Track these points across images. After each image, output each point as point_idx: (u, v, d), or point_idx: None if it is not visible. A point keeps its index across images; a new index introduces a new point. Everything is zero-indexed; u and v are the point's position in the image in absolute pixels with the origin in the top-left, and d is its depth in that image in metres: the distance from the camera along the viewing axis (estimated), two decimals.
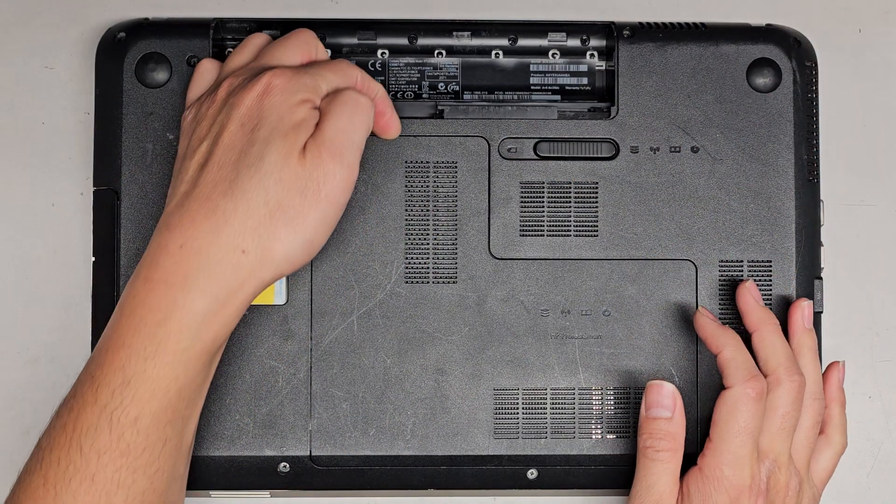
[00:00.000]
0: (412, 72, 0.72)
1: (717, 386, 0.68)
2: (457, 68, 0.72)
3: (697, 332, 0.67)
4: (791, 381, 0.65)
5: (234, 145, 0.61)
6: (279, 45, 0.65)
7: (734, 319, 0.69)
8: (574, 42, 0.72)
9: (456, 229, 0.69)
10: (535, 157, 0.69)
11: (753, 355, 0.65)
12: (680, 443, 0.65)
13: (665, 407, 0.66)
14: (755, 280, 0.69)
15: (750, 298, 0.67)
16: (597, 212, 0.69)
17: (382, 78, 0.71)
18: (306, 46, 0.65)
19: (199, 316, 0.59)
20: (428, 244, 0.69)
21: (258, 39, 0.67)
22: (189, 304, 0.59)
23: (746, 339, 0.67)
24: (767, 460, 0.65)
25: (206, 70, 0.67)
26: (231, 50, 0.71)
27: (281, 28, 0.71)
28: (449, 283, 0.69)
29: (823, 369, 0.69)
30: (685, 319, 0.69)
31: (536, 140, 0.69)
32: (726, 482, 0.64)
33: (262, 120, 0.61)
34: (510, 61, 0.72)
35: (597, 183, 0.69)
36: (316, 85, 0.63)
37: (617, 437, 0.69)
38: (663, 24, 0.71)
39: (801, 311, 0.67)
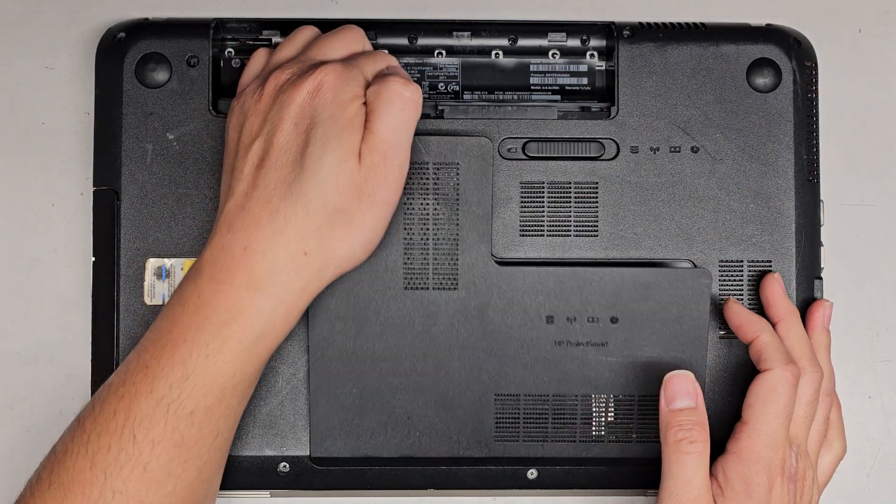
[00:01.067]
0: (412, 72, 0.72)
1: (725, 384, 0.68)
2: (457, 68, 0.72)
3: (729, 320, 0.67)
4: (815, 372, 0.66)
5: (289, 146, 0.61)
6: (327, 41, 0.66)
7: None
8: (574, 42, 0.72)
9: (457, 229, 0.69)
10: (536, 157, 0.69)
11: None
12: (708, 432, 0.64)
13: (688, 395, 0.65)
14: (755, 280, 0.69)
15: (778, 288, 0.67)
16: (597, 212, 0.69)
17: None
18: (355, 44, 0.66)
19: (265, 317, 0.60)
20: (428, 244, 0.69)
21: (307, 33, 0.68)
22: (256, 306, 0.60)
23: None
24: (794, 446, 0.65)
25: (260, 59, 0.68)
26: (232, 54, 0.71)
27: (281, 28, 0.71)
28: (449, 282, 0.69)
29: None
30: (691, 325, 0.69)
31: (537, 140, 0.69)
32: (765, 462, 0.63)
33: (316, 118, 0.61)
34: (510, 61, 0.72)
35: (597, 183, 0.69)
36: (363, 78, 0.63)
37: (617, 440, 0.68)
38: (663, 24, 0.71)
39: (823, 311, 0.68)
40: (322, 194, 0.61)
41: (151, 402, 0.59)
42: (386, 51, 0.68)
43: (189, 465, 0.60)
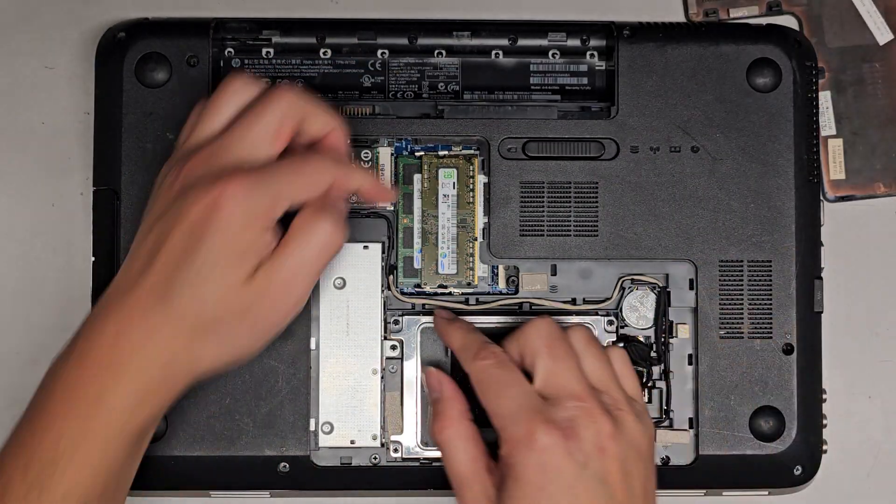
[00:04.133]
0: (412, 72, 0.72)
1: (725, 384, 0.69)
2: (457, 68, 0.72)
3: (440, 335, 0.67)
4: (486, 352, 0.64)
5: (175, 252, 0.59)
6: (250, 122, 0.61)
7: (735, 320, 0.69)
8: (574, 42, 0.72)
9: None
10: (536, 157, 0.69)
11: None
12: (457, 414, 0.63)
13: (435, 389, 0.65)
14: (755, 280, 0.69)
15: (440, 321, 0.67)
16: (597, 212, 0.69)
17: (382, 78, 0.71)
18: (285, 120, 0.61)
19: (127, 407, 0.59)
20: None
21: (239, 93, 0.62)
22: (117, 396, 0.59)
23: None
24: (556, 398, 0.62)
25: (193, 117, 0.64)
26: (232, 54, 0.71)
27: (281, 28, 0.71)
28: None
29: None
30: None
31: (537, 140, 0.69)
32: (513, 442, 0.60)
33: (207, 238, 0.59)
34: (510, 61, 0.72)
35: (597, 183, 0.69)
36: (274, 204, 0.59)
37: None
38: (663, 24, 0.71)
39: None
40: (200, 310, 0.59)
41: (24, 488, 0.58)
42: (325, 153, 0.62)
43: None
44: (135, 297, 0.59)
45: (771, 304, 0.69)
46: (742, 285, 0.69)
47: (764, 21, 0.74)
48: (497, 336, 0.65)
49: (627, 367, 0.65)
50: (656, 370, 0.70)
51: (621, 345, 0.69)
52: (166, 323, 0.59)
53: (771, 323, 0.69)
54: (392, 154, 0.70)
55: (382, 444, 0.69)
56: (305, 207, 0.60)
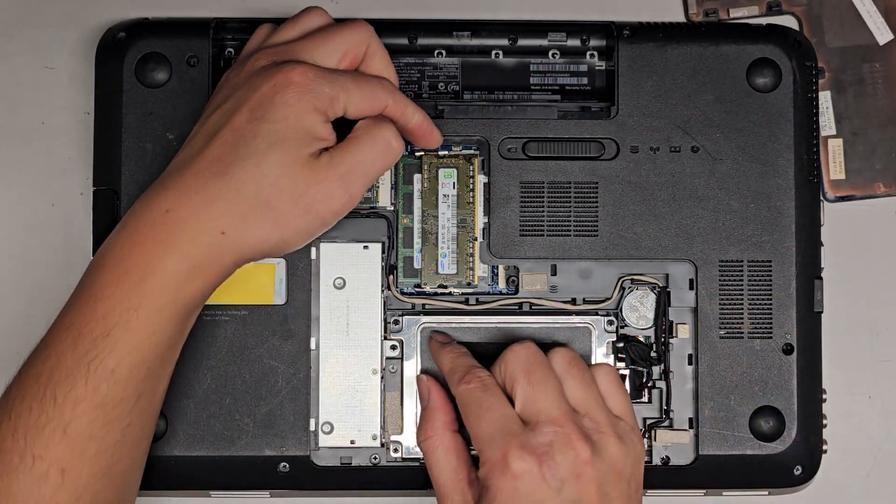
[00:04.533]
0: (412, 72, 0.72)
1: (726, 384, 0.69)
2: (457, 68, 0.72)
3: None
4: (473, 377, 0.65)
5: (239, 129, 0.61)
6: (323, 38, 0.64)
7: (735, 320, 0.69)
8: (574, 42, 0.72)
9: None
10: (536, 157, 0.69)
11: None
12: (440, 424, 0.65)
13: (422, 399, 0.67)
14: (755, 280, 0.69)
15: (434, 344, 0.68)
16: (597, 212, 0.69)
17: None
18: (353, 47, 0.64)
19: (177, 278, 0.60)
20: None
21: (314, 20, 0.66)
22: (168, 266, 0.60)
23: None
24: (537, 423, 0.63)
25: (260, 35, 0.67)
26: (232, 54, 0.71)
27: None
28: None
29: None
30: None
31: (537, 140, 0.69)
32: (490, 464, 0.62)
33: (270, 115, 0.61)
34: (510, 61, 0.72)
35: (597, 183, 0.69)
36: (334, 99, 0.62)
37: None
38: (663, 24, 0.71)
39: None
40: (257, 185, 0.60)
41: (74, 360, 0.59)
42: (386, 79, 0.65)
43: (112, 427, 0.59)
44: (192, 172, 0.60)
45: (771, 304, 0.69)
46: (742, 285, 0.69)
47: (764, 21, 0.74)
48: (495, 345, 0.66)
49: (614, 384, 0.65)
50: (656, 370, 0.70)
51: (617, 349, 0.70)
52: (221, 197, 0.60)
53: (771, 323, 0.69)
54: None
55: (382, 444, 0.69)
56: (369, 117, 0.63)
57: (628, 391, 0.70)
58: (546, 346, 0.65)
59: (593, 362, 0.69)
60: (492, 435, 0.61)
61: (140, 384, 0.60)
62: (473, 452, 0.64)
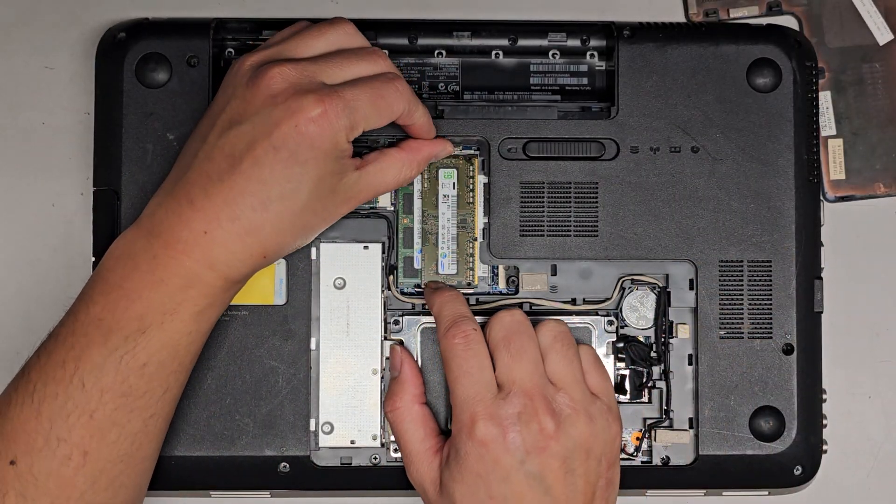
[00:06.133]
0: (412, 72, 0.72)
1: (726, 384, 0.69)
2: (457, 68, 0.72)
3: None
4: (465, 325, 0.66)
5: (265, 165, 0.61)
6: (343, 64, 0.64)
7: (735, 320, 0.69)
8: (574, 42, 0.72)
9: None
10: (536, 157, 0.69)
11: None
12: (408, 395, 0.67)
13: (394, 368, 0.68)
14: (755, 280, 0.69)
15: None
16: (597, 212, 0.69)
17: None
18: (372, 66, 0.65)
19: (216, 288, 0.62)
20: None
21: (342, 37, 0.66)
22: (210, 282, 0.62)
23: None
24: (509, 391, 0.64)
25: (284, 35, 0.66)
26: (233, 54, 0.71)
27: (280, 28, 0.71)
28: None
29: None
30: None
31: (537, 140, 0.69)
32: (458, 424, 0.64)
33: (298, 156, 0.61)
34: (510, 61, 0.72)
35: (597, 183, 0.69)
36: (354, 127, 0.63)
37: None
38: (663, 24, 0.71)
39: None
40: (295, 218, 0.62)
41: (104, 353, 0.60)
42: (398, 81, 0.65)
43: (135, 416, 0.61)
44: (221, 198, 0.61)
45: (771, 304, 0.69)
46: (742, 285, 0.69)
47: (764, 21, 0.74)
48: None
49: (595, 363, 0.66)
50: (656, 370, 0.70)
51: (617, 349, 0.70)
52: (261, 228, 0.62)
53: (771, 323, 0.69)
54: None
55: (382, 444, 0.69)
56: (402, 147, 0.67)
57: (629, 391, 0.70)
58: (542, 318, 0.66)
59: None
60: (465, 398, 0.63)
61: (168, 378, 0.62)
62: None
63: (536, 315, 0.69)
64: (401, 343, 0.69)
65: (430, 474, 0.65)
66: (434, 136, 0.68)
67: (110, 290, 0.62)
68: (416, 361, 0.68)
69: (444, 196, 0.69)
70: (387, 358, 0.69)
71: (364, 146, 0.67)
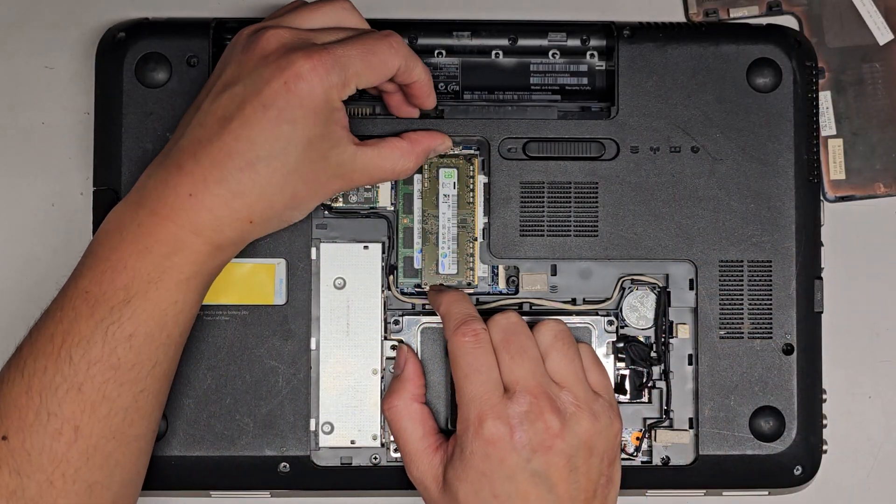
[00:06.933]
0: None
1: (726, 385, 0.69)
2: (457, 68, 0.72)
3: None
4: (471, 325, 0.65)
5: (254, 125, 0.61)
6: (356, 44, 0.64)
7: (735, 320, 0.69)
8: (574, 42, 0.72)
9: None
10: (536, 157, 0.69)
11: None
12: (406, 392, 0.67)
13: (398, 366, 0.68)
14: (755, 280, 0.69)
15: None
16: (597, 212, 0.69)
17: None
18: (392, 58, 0.64)
19: (202, 255, 0.62)
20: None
21: (341, 14, 0.66)
22: (195, 247, 0.62)
23: None
24: (516, 391, 0.64)
25: (286, 8, 0.67)
26: None
27: None
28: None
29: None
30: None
31: (537, 140, 0.69)
32: (465, 423, 0.63)
33: (286, 114, 0.61)
34: (510, 61, 0.72)
35: (597, 183, 0.69)
36: (346, 85, 0.62)
37: None
38: (663, 24, 0.71)
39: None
40: (283, 181, 0.62)
41: (91, 325, 0.60)
42: (393, 37, 0.65)
43: (125, 390, 0.61)
44: (209, 160, 0.61)
45: (771, 304, 0.69)
46: (742, 285, 0.69)
47: (764, 21, 0.74)
48: None
49: (594, 362, 0.67)
50: (656, 370, 0.70)
51: (617, 349, 0.70)
52: (247, 192, 0.61)
53: (771, 323, 0.69)
54: None
55: (382, 444, 0.69)
56: (403, 137, 0.67)
57: (629, 391, 0.70)
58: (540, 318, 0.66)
59: None
60: (473, 396, 0.63)
61: (156, 351, 0.62)
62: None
63: (536, 315, 0.69)
64: (405, 344, 0.69)
65: (432, 471, 0.65)
66: (434, 97, 0.67)
67: (97, 263, 0.62)
68: (420, 363, 0.68)
69: (445, 196, 0.69)
70: (387, 358, 0.69)
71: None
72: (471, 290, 0.70)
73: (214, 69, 0.65)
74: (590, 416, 0.64)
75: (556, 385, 0.64)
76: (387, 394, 0.67)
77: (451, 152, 0.69)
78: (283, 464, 0.68)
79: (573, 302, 0.70)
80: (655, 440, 0.69)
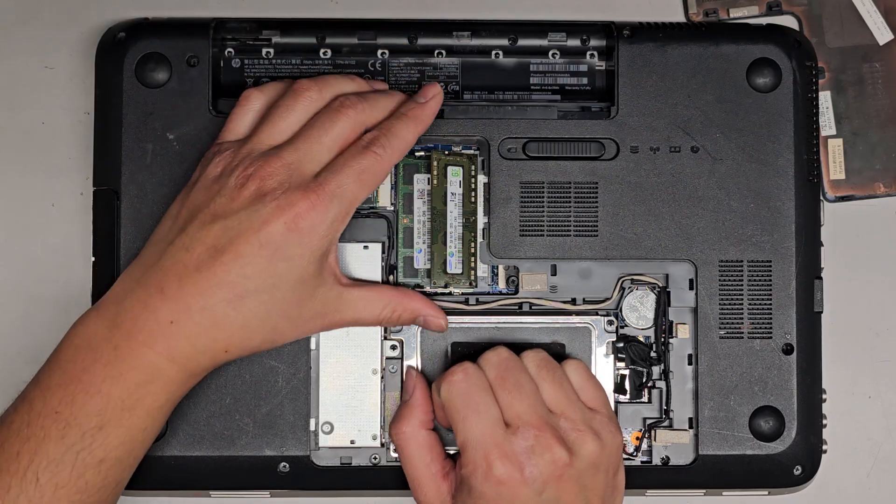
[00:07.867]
0: (412, 72, 0.72)
1: (726, 385, 0.69)
2: (457, 68, 0.72)
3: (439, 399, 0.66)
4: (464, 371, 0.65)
5: (247, 259, 0.61)
6: (319, 136, 0.64)
7: (735, 320, 0.69)
8: (574, 42, 0.72)
9: (462, 229, 0.69)
10: (536, 157, 0.69)
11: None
12: (416, 419, 0.66)
13: (406, 391, 0.68)
14: (755, 280, 0.69)
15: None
16: (597, 212, 0.69)
17: (382, 78, 0.71)
18: (351, 132, 0.64)
19: (177, 384, 0.62)
20: (436, 243, 0.69)
21: (305, 102, 0.65)
22: (171, 374, 0.61)
23: None
24: (519, 427, 0.63)
25: (252, 107, 0.66)
26: (232, 54, 0.71)
27: (281, 28, 0.71)
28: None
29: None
30: None
31: (537, 140, 0.69)
32: (472, 465, 0.63)
33: (283, 253, 0.61)
34: (510, 61, 0.72)
35: (597, 183, 0.69)
36: (345, 216, 0.63)
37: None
38: (663, 24, 0.71)
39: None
40: (266, 316, 0.62)
41: (61, 448, 0.59)
42: (380, 140, 0.65)
43: None
44: (195, 288, 0.61)
45: (771, 304, 0.69)
46: (742, 285, 0.69)
47: (764, 21, 0.74)
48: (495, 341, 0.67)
49: (586, 378, 0.67)
50: (656, 370, 0.70)
51: (617, 349, 0.70)
52: (229, 323, 0.61)
53: (771, 323, 0.69)
54: None
55: (382, 444, 0.69)
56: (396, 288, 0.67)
57: (629, 391, 0.70)
58: (518, 349, 0.66)
59: (592, 362, 0.69)
60: (476, 437, 0.63)
61: (123, 473, 0.62)
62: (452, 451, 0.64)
63: (536, 315, 0.69)
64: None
65: (440, 498, 0.65)
66: (427, 119, 0.67)
67: (68, 382, 0.60)
68: (429, 388, 0.67)
69: (452, 194, 0.69)
70: (387, 358, 0.69)
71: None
72: (471, 290, 0.70)
73: (197, 185, 0.64)
74: (592, 436, 0.64)
75: (553, 414, 0.64)
76: (395, 419, 0.67)
77: (445, 330, 0.68)
78: (282, 464, 0.68)
79: (573, 302, 0.70)
80: (655, 440, 0.69)
